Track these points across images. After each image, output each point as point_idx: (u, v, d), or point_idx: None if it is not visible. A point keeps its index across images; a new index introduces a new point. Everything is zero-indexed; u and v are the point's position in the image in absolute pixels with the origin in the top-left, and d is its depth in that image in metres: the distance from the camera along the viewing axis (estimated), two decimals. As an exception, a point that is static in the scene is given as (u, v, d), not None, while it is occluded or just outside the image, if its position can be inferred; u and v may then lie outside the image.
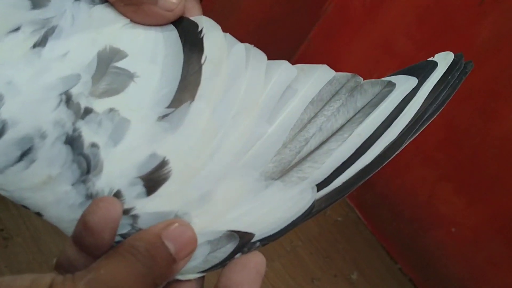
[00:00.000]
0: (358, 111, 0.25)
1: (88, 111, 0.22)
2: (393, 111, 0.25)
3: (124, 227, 0.22)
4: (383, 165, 0.26)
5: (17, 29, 0.22)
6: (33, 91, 0.21)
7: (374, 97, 0.26)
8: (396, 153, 0.26)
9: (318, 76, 0.26)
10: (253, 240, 0.24)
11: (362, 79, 0.26)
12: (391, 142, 0.25)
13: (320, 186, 0.25)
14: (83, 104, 0.22)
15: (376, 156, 0.25)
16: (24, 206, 0.23)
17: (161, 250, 0.21)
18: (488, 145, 0.76)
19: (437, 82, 0.26)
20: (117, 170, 0.22)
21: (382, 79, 0.26)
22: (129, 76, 0.23)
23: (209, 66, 0.24)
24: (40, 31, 0.22)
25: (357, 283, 0.89)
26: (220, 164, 0.24)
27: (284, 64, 0.26)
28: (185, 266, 0.22)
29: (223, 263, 0.24)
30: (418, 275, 0.92)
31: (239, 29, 0.78)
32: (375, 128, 0.25)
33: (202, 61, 0.24)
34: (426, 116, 0.26)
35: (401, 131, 0.25)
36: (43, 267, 0.73)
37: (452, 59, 0.27)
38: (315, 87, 0.25)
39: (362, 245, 0.94)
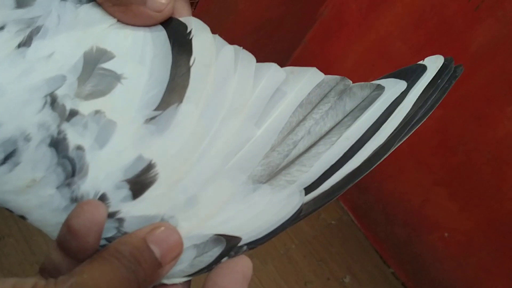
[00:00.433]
0: (347, 114, 0.25)
1: (73, 113, 0.22)
2: (381, 114, 0.25)
3: (110, 231, 0.22)
4: (371, 169, 0.25)
5: (1, 28, 0.22)
6: (18, 92, 0.21)
7: (363, 100, 0.26)
8: (384, 157, 0.25)
9: (307, 79, 0.26)
10: (240, 244, 0.24)
11: (351, 82, 0.26)
12: (380, 146, 0.25)
13: (308, 189, 0.25)
14: (69, 106, 0.22)
15: (364, 160, 0.25)
16: (7, 209, 0.22)
17: (146, 254, 0.21)
18: (482, 150, 0.76)
19: (427, 86, 0.26)
20: (103, 173, 0.22)
21: (371, 82, 0.26)
22: (115, 78, 0.23)
23: (197, 68, 0.24)
24: (25, 30, 0.22)
25: (349, 286, 0.89)
26: (207, 167, 0.23)
27: (273, 67, 0.25)
28: (171, 270, 0.22)
29: (209, 267, 0.23)
30: (410, 279, 0.92)
31: (236, 31, 0.78)
32: (363, 131, 0.25)
33: (191, 63, 0.24)
34: (415, 120, 0.26)
35: (390, 135, 0.25)
36: (35, 268, 0.72)
37: (442, 63, 0.27)
38: (304, 90, 0.25)
39: (356, 249, 0.94)
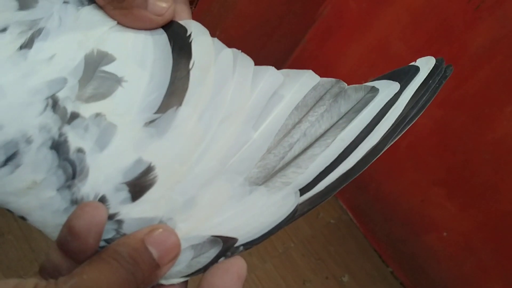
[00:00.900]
0: (342, 117, 0.26)
1: (74, 116, 0.22)
2: (375, 116, 0.26)
3: (109, 232, 0.22)
4: (364, 169, 0.26)
5: (4, 30, 0.22)
6: (19, 94, 0.21)
7: (358, 102, 0.26)
8: (377, 157, 0.26)
9: (303, 82, 0.26)
10: (236, 245, 0.24)
11: (346, 84, 0.26)
12: (373, 146, 0.26)
13: (303, 190, 0.25)
14: (70, 108, 0.22)
15: (358, 160, 0.26)
16: (8, 210, 0.22)
17: (144, 255, 0.21)
18: (481, 150, 0.76)
19: (419, 86, 0.26)
20: (103, 175, 0.22)
21: (365, 84, 0.27)
22: (116, 81, 0.23)
23: (196, 72, 0.24)
24: (27, 32, 0.22)
25: (348, 285, 0.89)
26: (205, 170, 0.24)
27: (270, 70, 0.26)
28: (169, 271, 0.23)
29: (206, 268, 0.24)
30: (409, 278, 0.92)
31: (235, 30, 0.78)
32: (357, 133, 0.25)
33: (190, 66, 0.24)
34: (407, 120, 0.26)
35: (383, 135, 0.26)
36: (34, 265, 0.73)
37: (434, 64, 0.27)
38: (300, 93, 0.26)
39: (354, 248, 0.94)
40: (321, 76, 0.27)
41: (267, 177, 0.25)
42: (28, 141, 0.21)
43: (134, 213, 0.22)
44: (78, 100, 0.22)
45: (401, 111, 0.26)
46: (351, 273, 0.91)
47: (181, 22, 0.26)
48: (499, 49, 0.71)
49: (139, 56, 0.24)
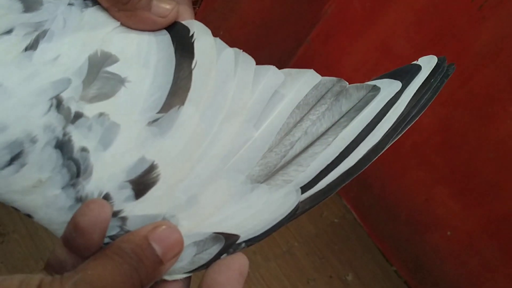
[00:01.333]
0: (343, 115, 0.26)
1: (78, 115, 0.22)
2: (376, 115, 0.26)
3: (113, 229, 0.23)
4: (366, 167, 0.26)
5: (9, 32, 0.22)
6: (24, 95, 0.21)
7: (359, 101, 0.26)
8: (378, 155, 0.26)
9: (305, 81, 0.26)
10: (238, 242, 0.24)
11: (348, 83, 0.27)
12: (374, 145, 0.26)
13: (304, 188, 0.25)
14: (74, 108, 0.22)
15: (360, 158, 0.26)
16: (14, 208, 0.23)
17: (148, 252, 0.21)
18: (485, 149, 0.76)
19: (420, 85, 0.26)
20: (107, 174, 0.22)
21: (367, 83, 0.27)
22: (120, 81, 0.23)
23: (199, 71, 0.24)
24: (32, 34, 0.23)
25: (352, 284, 0.89)
26: (207, 168, 0.24)
27: (271, 69, 0.26)
28: (172, 267, 0.23)
29: (209, 264, 0.24)
30: (413, 277, 0.92)
31: (239, 29, 0.79)
32: (359, 131, 0.26)
33: (193, 66, 0.24)
34: (408, 119, 0.26)
35: (384, 134, 0.26)
36: (39, 263, 0.73)
37: (436, 62, 0.27)
38: (301, 92, 0.26)
39: (358, 247, 0.94)
40: (325, 76, 0.27)
41: (269, 175, 0.25)
42: (33, 140, 0.21)
43: (137, 210, 0.23)
44: (82, 100, 0.22)
45: (402, 110, 0.26)
46: (355, 272, 0.91)
47: (184, 22, 0.26)
48: (503, 47, 0.71)
49: (142, 56, 0.24)
